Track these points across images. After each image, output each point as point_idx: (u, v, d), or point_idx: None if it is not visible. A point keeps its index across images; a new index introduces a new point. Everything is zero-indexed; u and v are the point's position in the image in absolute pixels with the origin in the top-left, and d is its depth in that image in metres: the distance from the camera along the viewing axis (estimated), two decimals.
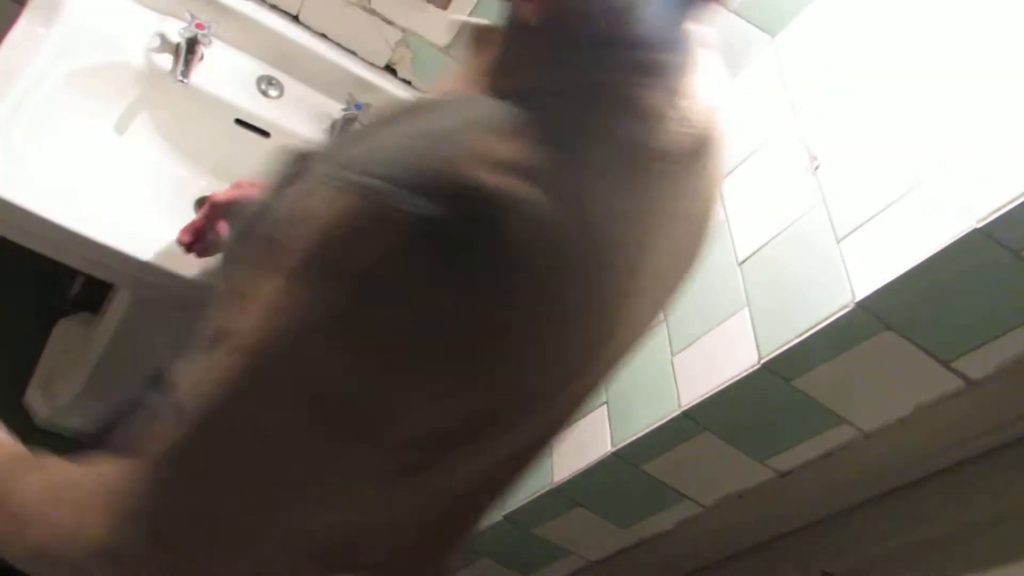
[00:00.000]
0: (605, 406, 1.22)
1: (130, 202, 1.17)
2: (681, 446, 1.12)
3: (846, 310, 0.91)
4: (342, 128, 1.32)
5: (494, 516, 1.36)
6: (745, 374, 1.01)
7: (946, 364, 0.93)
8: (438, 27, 1.26)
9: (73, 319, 1.65)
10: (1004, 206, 0.79)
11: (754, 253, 1.07)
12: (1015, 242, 0.81)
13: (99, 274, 1.13)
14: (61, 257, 1.08)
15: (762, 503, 1.18)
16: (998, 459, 1.04)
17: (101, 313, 1.58)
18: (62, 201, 1.02)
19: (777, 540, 1.28)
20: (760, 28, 1.21)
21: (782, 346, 0.97)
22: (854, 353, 0.94)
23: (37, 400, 1.55)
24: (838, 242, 0.96)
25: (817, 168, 1.03)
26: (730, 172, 1.18)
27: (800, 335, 0.95)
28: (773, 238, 1.05)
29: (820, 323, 0.93)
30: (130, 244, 1.05)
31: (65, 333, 1.63)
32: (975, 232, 0.80)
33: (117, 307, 1.45)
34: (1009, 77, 0.84)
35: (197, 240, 1.02)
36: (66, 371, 1.54)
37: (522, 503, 1.31)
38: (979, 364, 0.92)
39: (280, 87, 1.31)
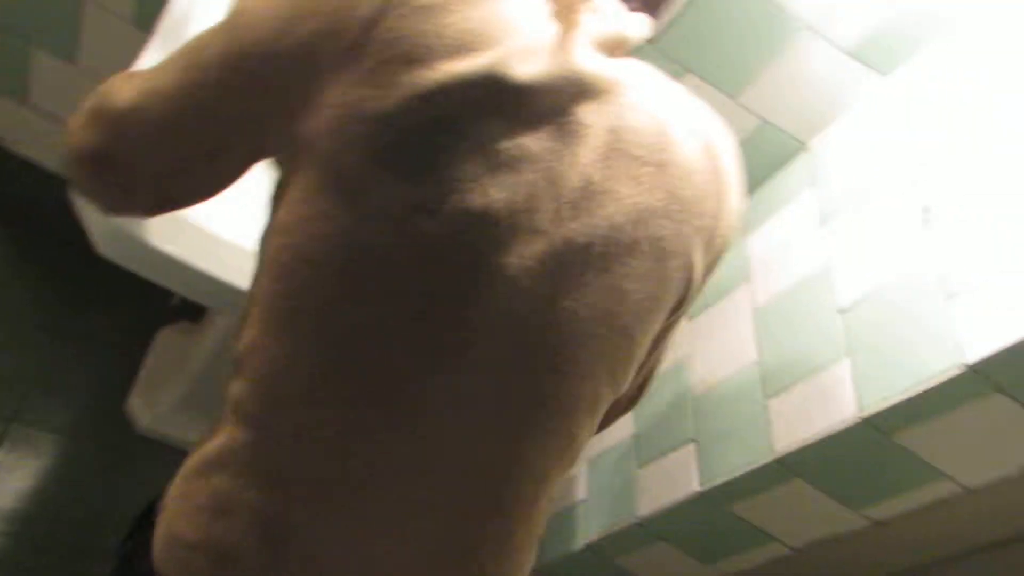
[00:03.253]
0: (694, 443, 1.22)
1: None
2: (772, 490, 1.11)
3: (956, 372, 0.89)
4: None
5: (574, 544, 1.37)
6: (844, 426, 0.99)
7: None
8: None
9: (174, 328, 1.70)
10: None
11: (858, 303, 1.06)
12: None
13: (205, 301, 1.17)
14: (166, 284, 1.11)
15: (855, 549, 1.17)
16: None
17: (202, 323, 1.64)
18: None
19: None
20: (870, 66, 1.19)
21: (885, 401, 0.95)
22: (961, 412, 0.93)
23: (138, 408, 1.61)
24: (949, 299, 0.93)
25: (930, 221, 1.01)
26: (832, 215, 1.17)
27: (904, 393, 0.94)
28: (879, 289, 1.03)
29: (928, 382, 0.92)
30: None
31: (166, 342, 1.68)
32: None
33: (219, 318, 1.50)
34: None
35: None
36: (167, 380, 1.60)
37: (605, 533, 1.31)
38: None
39: None
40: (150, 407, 1.60)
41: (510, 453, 0.72)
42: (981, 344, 0.87)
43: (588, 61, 0.69)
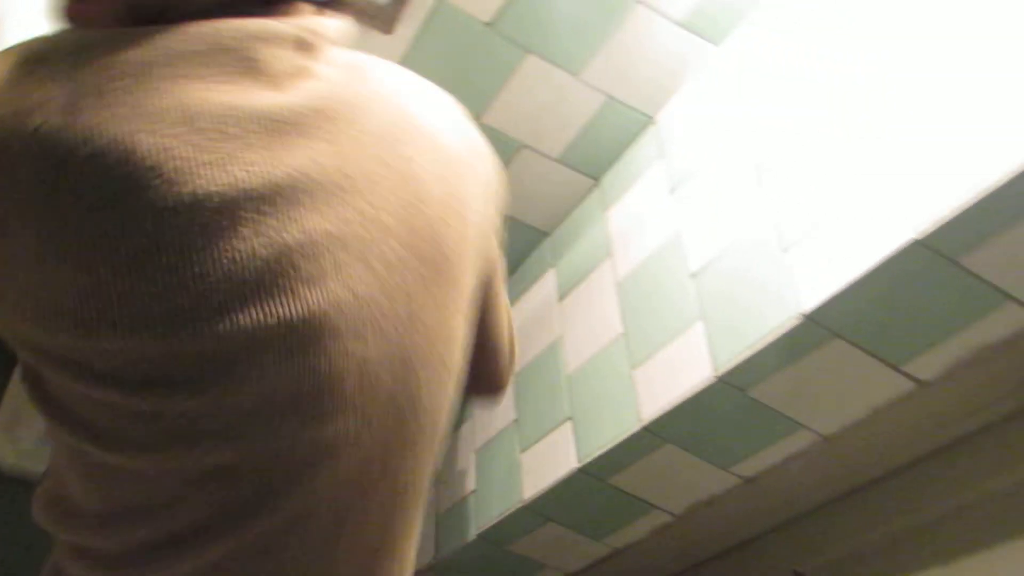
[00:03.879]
0: (570, 422, 1.23)
1: None
2: (645, 459, 1.13)
3: (796, 322, 0.92)
4: None
5: (468, 534, 1.37)
6: (702, 387, 1.02)
7: (896, 368, 0.94)
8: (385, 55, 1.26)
9: None
10: (942, 217, 0.80)
11: (706, 266, 1.08)
12: (953, 251, 0.82)
13: None
14: None
15: (730, 508, 1.20)
16: (953, 455, 1.07)
17: None
18: None
19: (747, 543, 1.30)
20: (704, 38, 1.22)
21: (735, 358, 0.98)
22: (806, 362, 0.96)
23: (2, 447, 1.54)
24: (786, 253, 0.97)
25: (765, 180, 1.04)
26: (680, 184, 1.19)
27: (753, 346, 0.96)
28: (724, 251, 1.06)
29: (771, 334, 0.94)
30: None
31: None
32: (915, 244, 0.82)
33: None
34: (950, 90, 0.86)
35: None
36: (30, 416, 1.53)
37: (494, 521, 1.31)
38: (929, 366, 0.94)
39: None
40: (13, 444, 1.53)
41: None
42: (815, 292, 0.91)
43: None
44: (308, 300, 0.62)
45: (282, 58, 0.65)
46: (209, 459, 0.63)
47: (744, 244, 1.03)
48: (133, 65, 0.59)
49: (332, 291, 0.64)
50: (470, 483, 1.44)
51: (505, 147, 1.34)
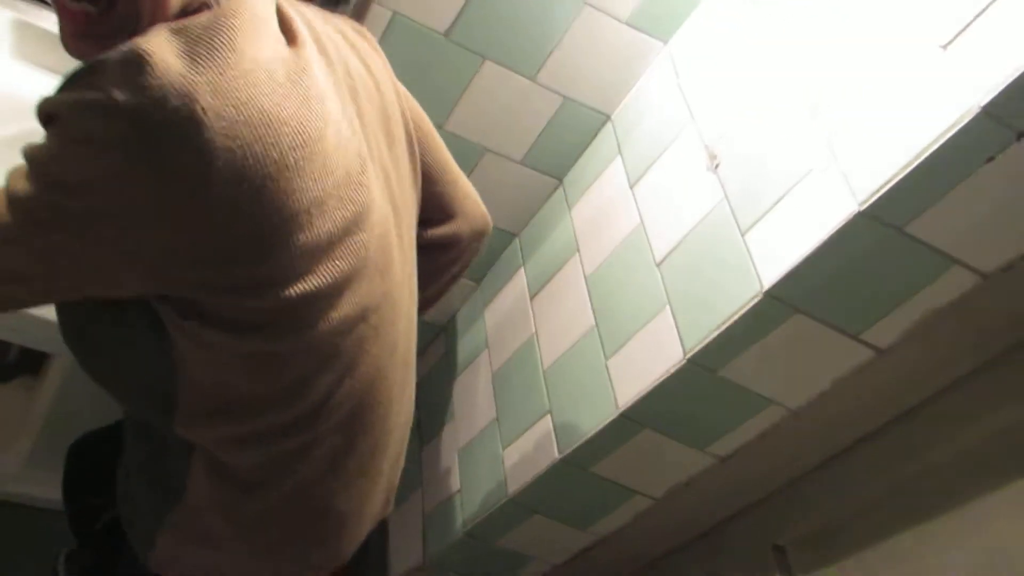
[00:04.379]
0: (549, 415, 1.26)
1: None
2: (624, 445, 1.16)
3: (756, 299, 0.96)
4: None
5: (455, 533, 1.39)
6: (673, 370, 1.05)
7: (855, 337, 0.99)
8: None
9: (12, 385, 1.64)
10: (881, 187, 0.84)
11: (669, 253, 1.12)
12: (897, 219, 0.87)
13: (36, 345, 1.14)
14: None
15: (709, 488, 1.23)
16: (918, 417, 1.11)
17: (41, 376, 1.58)
18: None
19: (727, 522, 1.33)
20: (652, 36, 1.26)
21: (703, 339, 1.02)
22: (771, 338, 1.00)
23: None
24: (743, 235, 1.01)
25: (717, 166, 1.08)
26: (639, 178, 1.23)
27: (718, 327, 1.00)
28: (685, 237, 1.10)
29: (735, 314, 0.98)
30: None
31: (5, 400, 1.61)
32: (858, 215, 0.86)
33: (57, 369, 1.45)
34: (880, 63, 0.90)
35: None
36: (10, 440, 1.54)
37: (481, 517, 1.33)
38: (885, 334, 0.98)
39: None
40: None
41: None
42: (773, 270, 0.95)
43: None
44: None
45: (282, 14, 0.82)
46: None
47: (704, 229, 1.07)
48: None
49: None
50: (454, 483, 1.46)
51: (469, 152, 1.38)
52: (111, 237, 0.68)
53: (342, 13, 1.18)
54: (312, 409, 0.86)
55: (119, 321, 0.81)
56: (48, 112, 0.67)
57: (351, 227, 0.80)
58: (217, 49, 0.68)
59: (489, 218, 1.19)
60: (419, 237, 1.06)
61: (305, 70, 0.77)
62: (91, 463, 1.12)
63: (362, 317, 0.85)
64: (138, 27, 0.71)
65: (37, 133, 1.21)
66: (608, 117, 1.36)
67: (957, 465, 1.06)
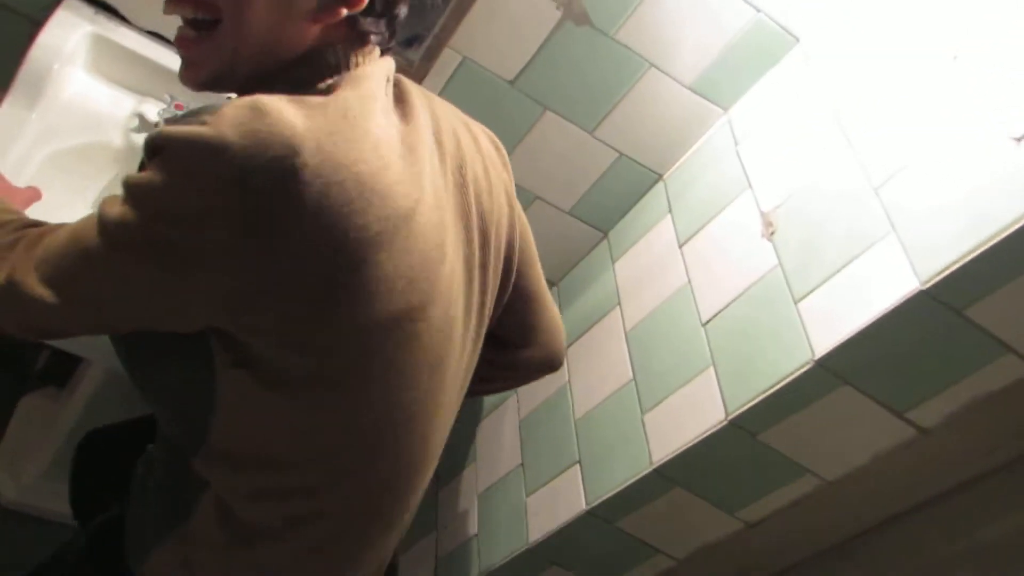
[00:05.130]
0: (578, 465, 1.26)
1: None
2: (654, 502, 1.16)
3: (807, 367, 0.97)
4: None
5: None
6: (713, 430, 1.06)
7: (900, 415, 0.99)
8: None
9: (39, 394, 1.63)
10: (945, 269, 0.86)
11: (717, 314, 1.13)
12: (957, 301, 0.88)
13: (68, 347, 1.14)
14: None
15: (732, 553, 1.22)
16: (953, 501, 1.10)
17: (69, 387, 1.57)
18: None
19: None
20: (713, 102, 1.29)
21: (747, 402, 1.02)
22: (816, 407, 1.00)
23: (2, 480, 1.52)
24: (796, 302, 1.02)
25: (773, 233, 1.10)
26: (689, 238, 1.25)
27: (764, 391, 1.01)
28: (735, 300, 1.11)
29: (782, 380, 0.99)
30: None
31: (31, 409, 1.60)
32: (920, 294, 0.87)
33: (87, 381, 1.45)
34: (951, 148, 0.92)
35: None
36: (33, 449, 1.52)
37: (497, 565, 1.32)
38: (931, 414, 0.99)
39: None
40: (15, 478, 1.52)
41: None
42: (826, 339, 0.96)
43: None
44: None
45: (400, 92, 0.85)
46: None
47: (755, 293, 1.09)
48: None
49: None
50: (472, 526, 1.45)
51: (520, 198, 1.39)
52: (195, 270, 0.70)
53: (413, 56, 1.21)
54: (332, 481, 0.86)
55: (174, 343, 0.82)
56: (158, 143, 0.69)
57: (412, 313, 0.80)
58: (331, 114, 0.71)
59: (563, 355, 1.16)
60: (492, 355, 1.06)
61: (412, 149, 0.79)
62: (106, 453, 1.14)
63: (398, 406, 0.85)
64: (233, 58, 0.76)
65: (106, 147, 1.24)
66: (660, 176, 1.39)
67: (989, 555, 1.06)
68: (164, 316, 0.75)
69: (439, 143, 0.87)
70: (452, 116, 0.94)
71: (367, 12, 0.78)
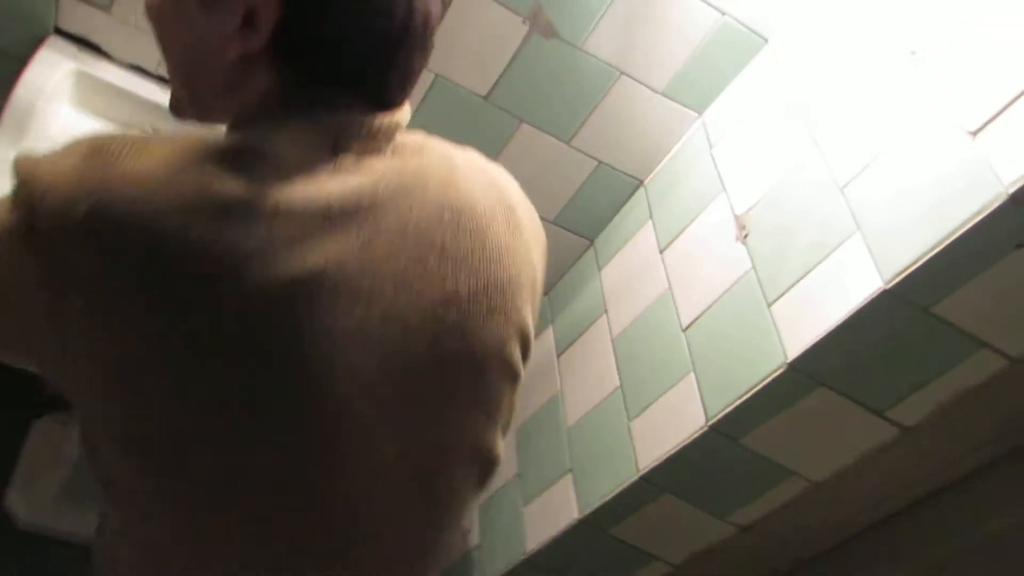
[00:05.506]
0: (571, 474, 1.26)
1: None
2: (644, 509, 1.16)
3: (780, 371, 0.96)
4: None
5: None
6: (695, 436, 1.06)
7: (879, 414, 0.98)
8: None
9: (51, 418, 1.67)
10: (908, 267, 0.85)
11: (696, 319, 1.13)
12: (922, 299, 0.87)
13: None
14: None
15: (728, 557, 1.22)
16: (945, 500, 1.09)
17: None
18: None
19: None
20: (687, 106, 1.29)
21: (726, 407, 1.02)
22: (794, 410, 1.00)
23: (17, 503, 1.56)
24: (769, 306, 1.02)
25: (746, 236, 1.10)
26: (669, 244, 1.25)
27: (741, 396, 1.00)
28: (712, 305, 1.11)
29: (758, 384, 0.99)
30: None
31: (44, 433, 1.64)
32: (884, 293, 0.87)
33: None
34: (911, 144, 0.92)
35: None
36: (46, 471, 1.56)
37: (498, 575, 1.33)
38: (911, 412, 0.98)
39: None
40: (29, 500, 1.56)
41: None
42: (797, 342, 0.95)
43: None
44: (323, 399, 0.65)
45: (359, 146, 0.67)
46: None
47: (731, 298, 1.09)
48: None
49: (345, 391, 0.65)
50: (473, 537, 1.46)
51: None
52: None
53: None
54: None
55: None
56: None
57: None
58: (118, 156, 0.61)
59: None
60: None
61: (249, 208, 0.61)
62: None
63: None
64: (183, 89, 0.72)
65: None
66: (641, 182, 1.39)
67: (982, 553, 1.05)
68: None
69: (355, 208, 0.66)
70: (445, 172, 0.73)
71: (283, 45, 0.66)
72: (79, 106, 1.27)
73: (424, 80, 1.26)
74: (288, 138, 0.65)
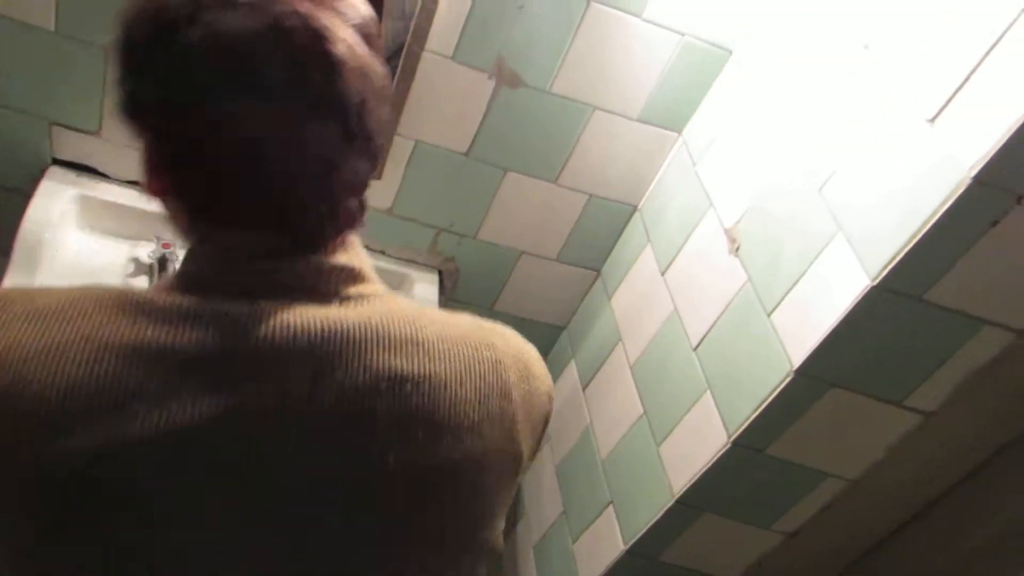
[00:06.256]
0: (612, 505, 1.27)
1: None
2: (688, 530, 1.16)
3: (789, 379, 0.97)
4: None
5: None
6: (720, 454, 1.06)
7: (899, 404, 0.98)
8: (382, 197, 1.36)
9: None
10: (891, 261, 0.85)
11: (704, 337, 1.14)
12: (913, 289, 0.87)
13: None
14: None
15: (782, 566, 1.21)
16: (982, 479, 1.08)
17: None
18: None
19: None
20: (665, 128, 1.30)
21: (744, 421, 1.02)
22: (812, 414, 1.00)
23: None
24: (768, 315, 1.02)
25: (738, 249, 1.10)
26: (668, 265, 1.26)
27: (757, 408, 1.01)
28: (716, 321, 1.12)
29: (770, 394, 0.99)
30: None
31: None
32: (873, 290, 0.87)
33: None
34: (875, 138, 0.92)
35: None
36: None
37: None
38: (929, 398, 0.97)
39: None
40: None
41: None
42: (799, 348, 0.96)
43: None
44: None
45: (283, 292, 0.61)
46: None
47: (733, 313, 1.09)
48: None
49: None
50: None
51: (505, 257, 1.43)
52: None
53: None
54: None
55: None
56: None
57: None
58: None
59: None
60: None
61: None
62: None
63: None
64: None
65: None
66: (636, 208, 1.40)
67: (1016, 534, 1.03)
68: None
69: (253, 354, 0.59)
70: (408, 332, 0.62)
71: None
72: (85, 227, 1.33)
73: (404, 147, 1.29)
74: (194, 281, 0.61)
